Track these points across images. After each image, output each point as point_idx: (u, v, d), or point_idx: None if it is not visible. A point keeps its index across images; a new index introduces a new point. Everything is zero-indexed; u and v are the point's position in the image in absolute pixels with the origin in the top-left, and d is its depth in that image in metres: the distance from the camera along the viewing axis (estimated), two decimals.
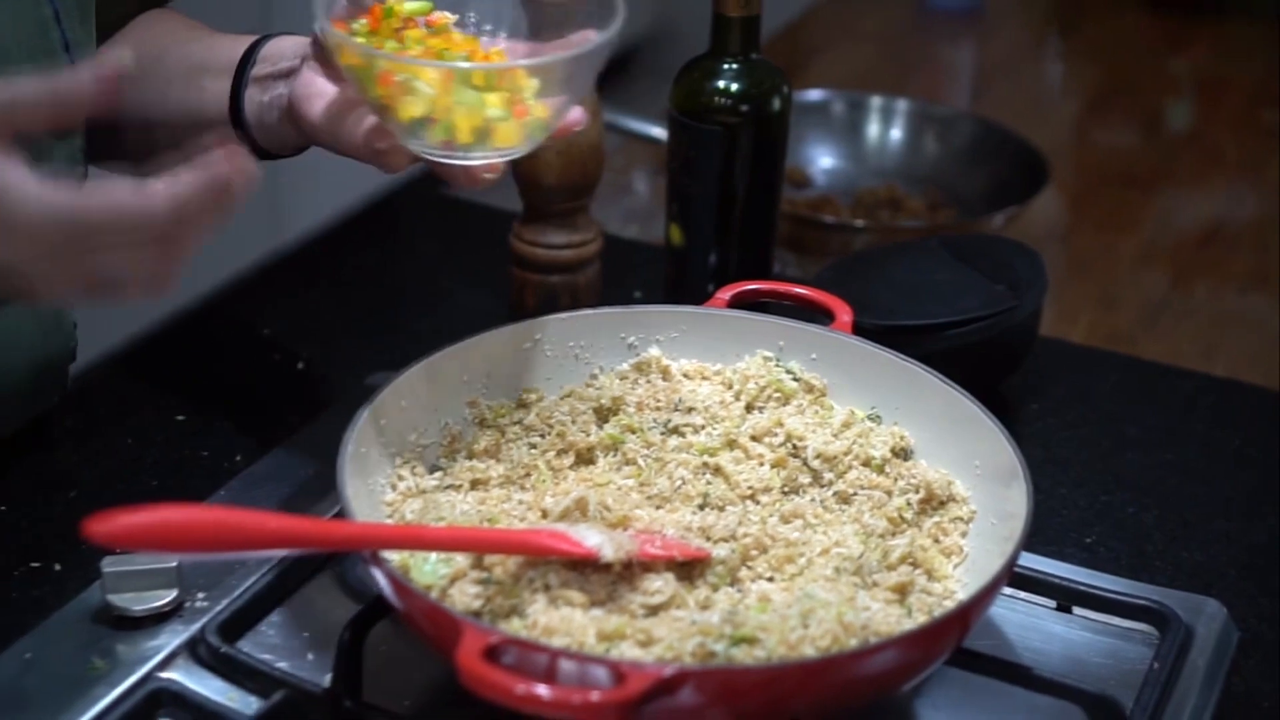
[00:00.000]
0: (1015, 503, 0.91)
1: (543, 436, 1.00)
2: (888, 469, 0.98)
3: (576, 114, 0.94)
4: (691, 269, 1.26)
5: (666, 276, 1.27)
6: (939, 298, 1.18)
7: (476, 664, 0.77)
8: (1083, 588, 0.99)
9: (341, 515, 0.88)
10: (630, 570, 0.87)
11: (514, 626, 0.85)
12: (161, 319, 1.29)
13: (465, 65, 0.90)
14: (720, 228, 1.23)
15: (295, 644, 0.95)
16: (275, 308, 1.32)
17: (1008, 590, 0.98)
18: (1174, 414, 1.27)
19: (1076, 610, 0.99)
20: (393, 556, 0.87)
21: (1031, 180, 1.59)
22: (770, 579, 0.90)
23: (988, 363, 1.19)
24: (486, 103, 0.89)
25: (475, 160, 0.92)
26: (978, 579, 0.91)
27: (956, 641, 0.86)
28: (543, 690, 0.75)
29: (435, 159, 0.92)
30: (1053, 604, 0.99)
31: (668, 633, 0.83)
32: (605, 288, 1.28)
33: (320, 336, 1.28)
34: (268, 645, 0.95)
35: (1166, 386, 1.31)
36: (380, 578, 0.85)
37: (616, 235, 1.44)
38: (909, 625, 0.87)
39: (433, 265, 1.44)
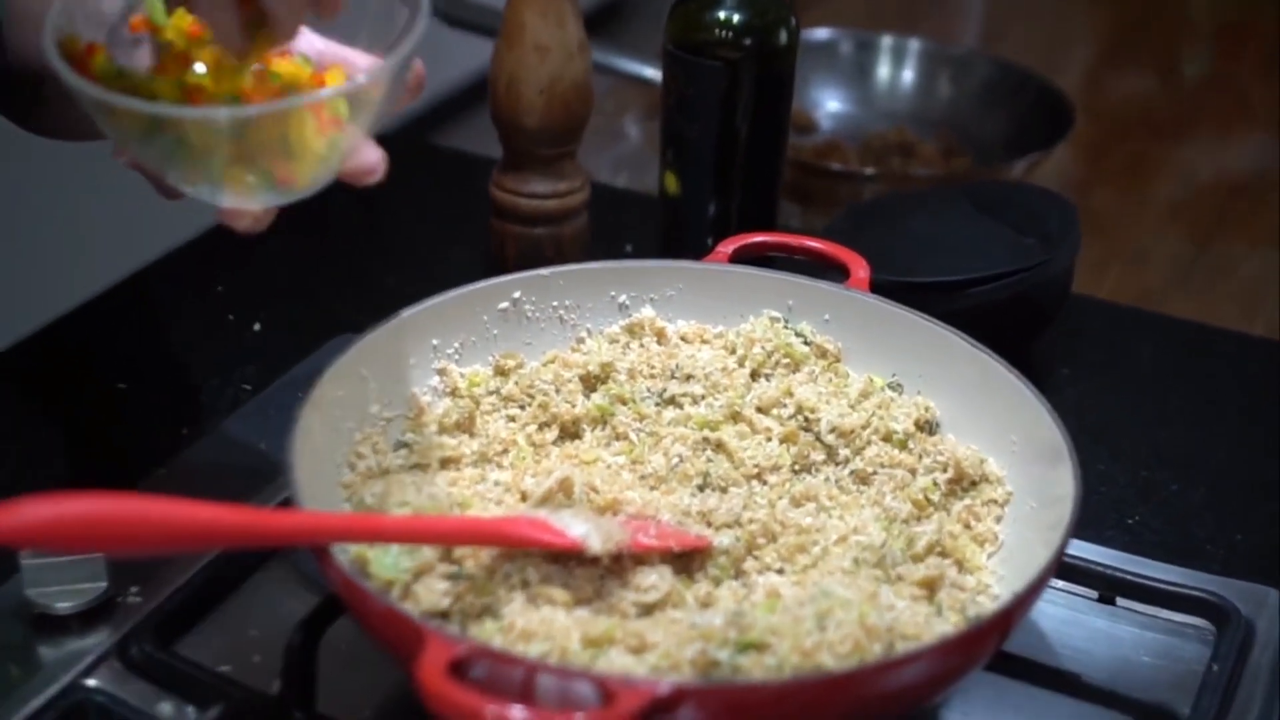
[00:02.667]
0: (1060, 485, 0.81)
1: (522, 408, 0.92)
2: (911, 444, 0.89)
3: (371, 157, 0.79)
4: (688, 221, 1.18)
5: (661, 230, 1.20)
6: (962, 252, 1.09)
7: (440, 681, 0.66)
8: (1128, 577, 0.89)
9: (289, 501, 0.77)
10: (620, 563, 0.79)
11: (487, 630, 0.75)
12: (109, 281, 1.19)
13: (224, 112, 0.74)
14: (720, 175, 1.15)
15: (241, 644, 0.85)
16: (230, 263, 1.22)
17: None
18: (1216, 379, 1.17)
19: (1121, 602, 0.90)
20: (347, 548, 0.77)
21: (1052, 125, 1.51)
22: (780, 571, 0.82)
23: (1016, 323, 1.09)
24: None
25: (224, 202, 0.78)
26: (1016, 571, 0.82)
27: (995, 648, 0.76)
28: (518, 713, 0.65)
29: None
30: (1094, 595, 0.90)
31: (664, 637, 0.74)
32: (594, 242, 1.19)
33: (279, 295, 1.20)
34: (210, 646, 0.85)
35: (1206, 349, 1.21)
36: (330, 576, 0.74)
37: (606, 184, 1.37)
38: (940, 627, 0.78)
39: (405, 216, 1.33)
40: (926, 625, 0.77)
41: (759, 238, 1.01)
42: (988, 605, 0.80)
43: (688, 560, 0.81)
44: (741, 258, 0.99)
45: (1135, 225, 1.60)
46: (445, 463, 0.87)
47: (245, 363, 1.11)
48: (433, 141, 1.45)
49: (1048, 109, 1.53)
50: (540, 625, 0.74)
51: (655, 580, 0.78)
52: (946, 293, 1.05)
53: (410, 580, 0.78)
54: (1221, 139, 1.84)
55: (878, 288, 0.96)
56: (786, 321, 0.96)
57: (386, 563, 0.78)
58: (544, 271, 0.96)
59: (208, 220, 1.19)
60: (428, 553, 0.78)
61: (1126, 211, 1.61)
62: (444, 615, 0.76)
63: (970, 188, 1.18)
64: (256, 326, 1.16)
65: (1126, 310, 1.26)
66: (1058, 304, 1.13)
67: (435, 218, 1.33)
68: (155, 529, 0.69)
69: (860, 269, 0.97)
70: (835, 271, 0.98)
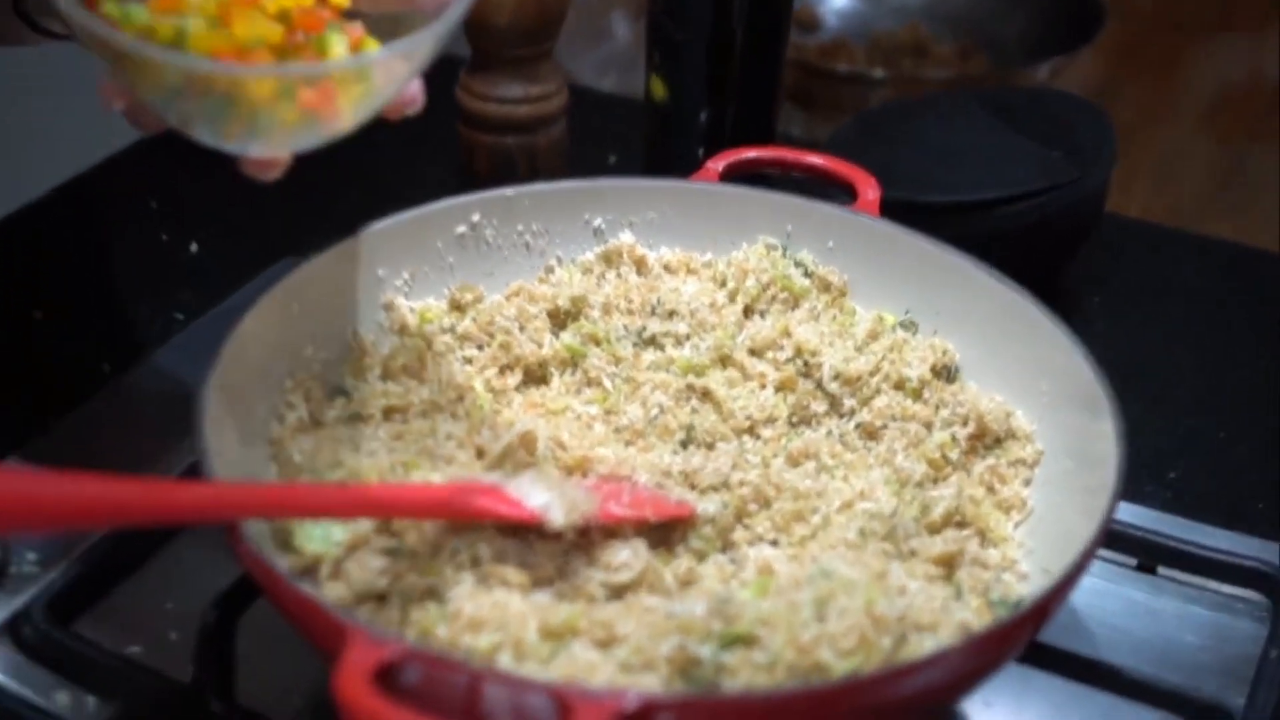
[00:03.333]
0: (1100, 442, 0.72)
1: (481, 348, 0.83)
2: (926, 394, 0.81)
3: (410, 86, 0.73)
4: (677, 131, 1.08)
5: (646, 140, 1.11)
6: (982, 167, 1.01)
7: (360, 692, 0.56)
8: (1170, 543, 0.81)
9: (198, 466, 0.67)
10: (588, 536, 0.70)
11: (430, 616, 0.65)
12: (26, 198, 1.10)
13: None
14: (713, 80, 1.05)
15: (155, 620, 0.76)
16: (165, 176, 1.12)
17: None
18: (1264, 310, 1.08)
19: (1162, 571, 0.82)
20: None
21: (1076, 23, 1.42)
22: (773, 542, 0.73)
23: (1042, 249, 1.01)
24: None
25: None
26: (1048, 544, 0.73)
27: (1027, 642, 0.66)
28: None
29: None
30: (1132, 562, 0.83)
31: (636, 628, 0.65)
32: (573, 153, 1.10)
33: (220, 212, 1.10)
34: (117, 624, 0.76)
35: (1252, 275, 1.12)
36: (240, 555, 0.65)
37: (590, 88, 1.30)
38: (960, 614, 0.68)
39: (369, 124, 1.22)
40: (944, 612, 0.67)
41: (753, 153, 0.92)
42: (1015, 587, 0.71)
43: (667, 531, 0.72)
44: (734, 175, 0.91)
45: (1164, 135, 1.51)
46: (390, 413, 0.78)
47: (179, 288, 1.02)
48: None
49: (1071, 5, 1.44)
50: (492, 612, 0.64)
51: (628, 557, 0.69)
52: (965, 214, 0.97)
53: (342, 555, 0.68)
54: (1257, 39, 1.72)
55: (888, 209, 0.87)
56: (784, 249, 0.88)
57: (314, 534, 0.69)
58: (507, 191, 0.86)
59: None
60: (363, 523, 0.69)
61: (1154, 120, 1.53)
62: (380, 598, 0.67)
63: (990, 94, 1.09)
64: (193, 247, 1.08)
65: (1158, 232, 1.17)
66: (1089, 227, 1.04)
67: (404, 126, 1.21)
68: (26, 508, 0.58)
69: (869, 189, 0.88)
70: (840, 191, 0.89)
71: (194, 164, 1.08)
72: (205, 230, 1.08)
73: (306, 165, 1.12)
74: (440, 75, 1.11)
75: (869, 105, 1.25)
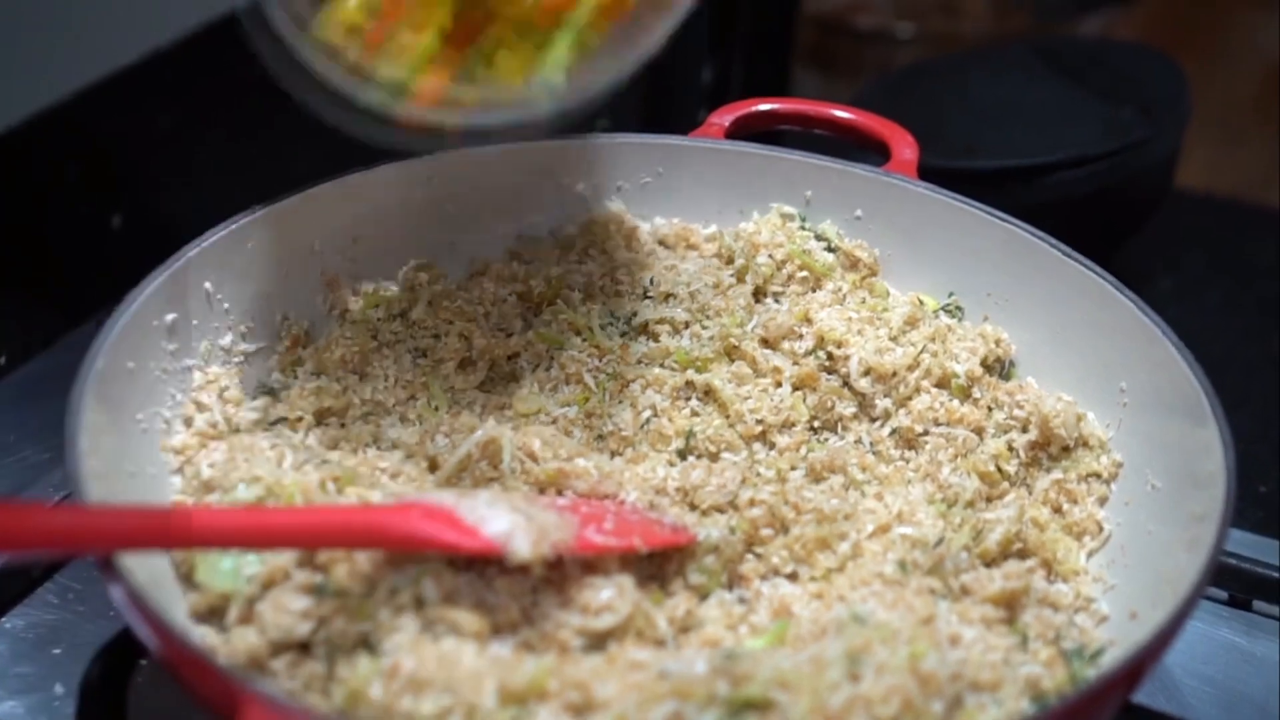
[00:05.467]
0: (1200, 455, 0.64)
1: (437, 338, 0.78)
2: (978, 393, 0.75)
3: None
4: (677, 87, 1.06)
5: (643, 98, 1.08)
6: (1037, 127, 0.99)
7: None
8: (1267, 571, 0.74)
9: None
10: (561, 570, 0.62)
11: (362, 674, 0.56)
12: None
13: None
14: (717, 32, 1.03)
15: (38, 667, 0.67)
16: (89, 138, 1.03)
17: None
18: None
19: (1258, 606, 0.75)
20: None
21: None
22: (792, 576, 0.66)
23: (1103, 222, 0.95)
24: None
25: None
26: (1132, 579, 0.66)
27: (1117, 708, 0.56)
28: None
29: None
30: (1223, 595, 0.75)
31: (619, 690, 0.57)
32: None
33: (148, 182, 1.03)
34: None
35: None
36: (116, 599, 0.55)
37: None
38: (1027, 669, 0.59)
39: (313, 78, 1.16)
40: (1007, 667, 0.60)
41: (767, 105, 0.86)
42: (1093, 633, 0.63)
43: (660, 562, 0.65)
44: (743, 133, 0.86)
45: (1227, 97, 1.49)
46: (323, 416, 0.72)
47: (98, 268, 0.94)
48: None
49: None
50: (439, 668, 0.57)
51: (611, 597, 0.61)
52: (1019, 181, 0.93)
53: (255, 594, 0.61)
54: None
55: (926, 174, 0.81)
56: (804, 220, 0.83)
57: (221, 567, 0.62)
58: (470, 151, 0.81)
59: (66, 85, 1.01)
60: (283, 554, 0.61)
61: (1216, 81, 1.49)
62: (302, 648, 0.59)
63: (1045, 44, 1.04)
64: (116, 221, 1.01)
65: (1233, 206, 1.11)
66: (1159, 196, 0.98)
67: None
68: None
69: (905, 147, 0.83)
70: (870, 152, 0.85)
71: (124, 123, 1.02)
72: (132, 201, 1.01)
73: (258, 125, 1.04)
74: None
75: (894, 66, 1.23)
